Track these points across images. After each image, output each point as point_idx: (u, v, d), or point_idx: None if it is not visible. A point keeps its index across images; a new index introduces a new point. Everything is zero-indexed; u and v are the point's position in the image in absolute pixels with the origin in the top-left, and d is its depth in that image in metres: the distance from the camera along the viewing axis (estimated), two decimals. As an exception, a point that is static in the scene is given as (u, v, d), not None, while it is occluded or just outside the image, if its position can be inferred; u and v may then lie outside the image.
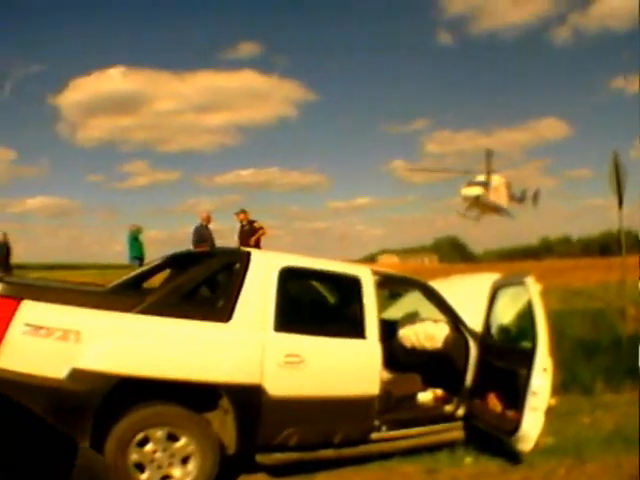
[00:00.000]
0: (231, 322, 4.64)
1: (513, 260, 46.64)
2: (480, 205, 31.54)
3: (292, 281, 5.23)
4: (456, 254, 78.32)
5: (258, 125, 76.94)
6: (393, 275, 6.56)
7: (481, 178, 30.84)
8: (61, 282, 5.93)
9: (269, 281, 4.91)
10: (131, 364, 4.20)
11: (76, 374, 3.99)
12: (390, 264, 63.53)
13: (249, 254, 5.11)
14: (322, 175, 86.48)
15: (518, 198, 34.00)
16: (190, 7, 72.53)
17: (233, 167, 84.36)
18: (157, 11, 74.43)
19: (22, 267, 31.38)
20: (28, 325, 3.98)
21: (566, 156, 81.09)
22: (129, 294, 5.07)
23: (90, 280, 8.05)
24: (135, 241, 16.62)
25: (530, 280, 5.64)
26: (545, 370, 5.24)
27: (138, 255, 16.21)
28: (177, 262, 6.02)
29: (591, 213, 74.96)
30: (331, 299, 6.44)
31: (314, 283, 6.35)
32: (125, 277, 6.04)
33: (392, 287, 7.37)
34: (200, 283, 5.16)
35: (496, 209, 32.40)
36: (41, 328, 3.99)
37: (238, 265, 5.00)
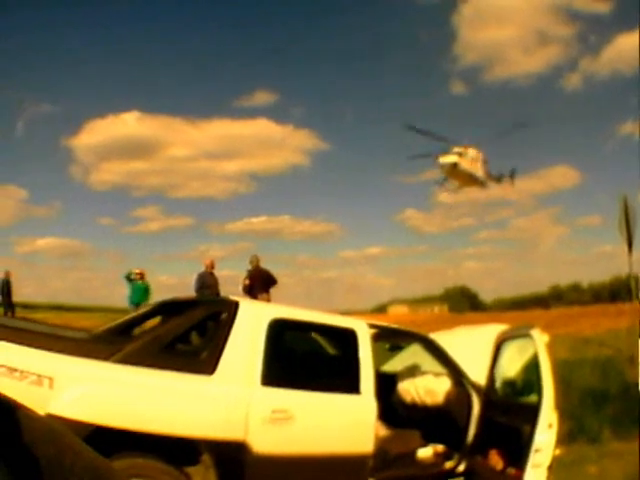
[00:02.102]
0: (215, 375, 4.44)
1: (523, 309, 46.34)
2: (457, 174, 31.47)
3: (282, 333, 5.04)
4: (466, 303, 77.80)
5: (271, 173, 77.15)
6: (392, 328, 6.40)
7: (458, 150, 30.96)
8: (44, 325, 5.81)
9: (257, 333, 4.72)
10: (104, 413, 4.03)
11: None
12: (400, 314, 63.27)
13: (237, 304, 4.93)
14: (334, 224, 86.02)
15: (496, 177, 34.25)
16: (206, 55, 73.51)
17: (245, 214, 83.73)
18: (173, 57, 75.49)
19: (30, 306, 31.74)
20: (2, 366, 3.86)
21: (576, 203, 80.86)
22: (110, 341, 4.90)
23: (95, 323, 7.91)
24: (136, 285, 16.76)
25: (536, 332, 5.49)
26: (550, 426, 5.04)
27: (138, 300, 16.13)
28: (166, 309, 5.84)
29: (601, 260, 74.31)
30: (324, 352, 6.20)
31: (307, 335, 6.12)
32: (115, 322, 5.85)
33: (391, 340, 7.17)
34: (183, 333, 4.94)
35: (473, 179, 32.34)
36: (15, 370, 3.88)
37: (225, 315, 4.84)
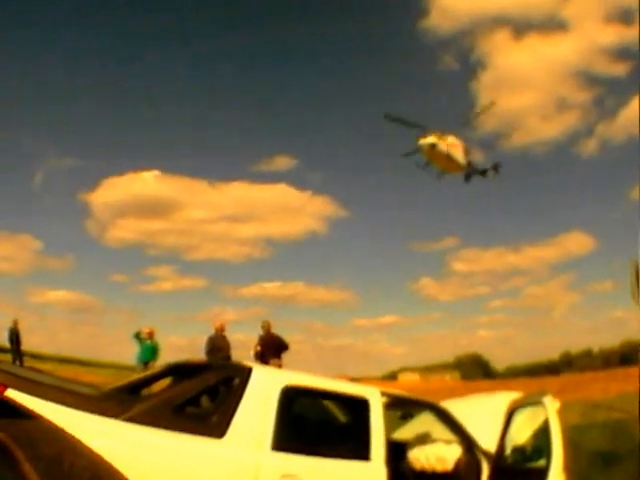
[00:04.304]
0: (225, 438, 4.45)
1: (535, 376, 45.98)
2: (436, 155, 31.51)
3: (294, 400, 5.05)
4: (478, 371, 77.10)
5: (287, 239, 77.98)
6: (403, 396, 6.42)
7: (437, 134, 31.27)
8: (53, 378, 5.73)
9: (269, 399, 4.77)
10: None
11: None
12: (411, 381, 62.71)
13: (250, 370, 4.97)
14: (348, 292, 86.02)
15: (480, 170, 34.49)
16: (228, 119, 75.12)
17: (259, 279, 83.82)
18: (195, 120, 77.33)
19: (38, 357, 31.64)
20: None
21: (590, 269, 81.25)
22: (119, 399, 4.85)
23: (104, 379, 7.93)
24: (145, 344, 16.83)
25: (548, 399, 5.56)
26: None
27: (146, 359, 16.31)
28: (176, 371, 5.88)
29: (612, 325, 74.11)
30: (336, 419, 6.26)
31: (319, 402, 6.17)
32: (125, 381, 5.87)
33: (403, 408, 7.21)
34: (194, 396, 4.93)
35: (453, 162, 32.36)
36: None
37: (237, 380, 4.87)
